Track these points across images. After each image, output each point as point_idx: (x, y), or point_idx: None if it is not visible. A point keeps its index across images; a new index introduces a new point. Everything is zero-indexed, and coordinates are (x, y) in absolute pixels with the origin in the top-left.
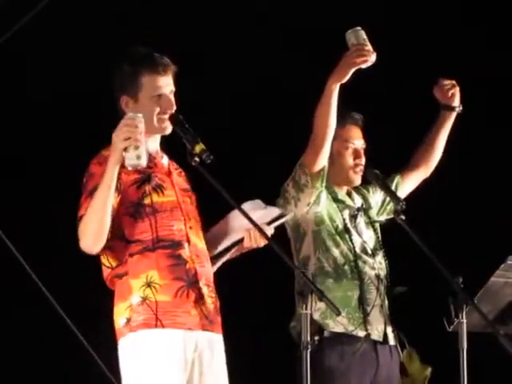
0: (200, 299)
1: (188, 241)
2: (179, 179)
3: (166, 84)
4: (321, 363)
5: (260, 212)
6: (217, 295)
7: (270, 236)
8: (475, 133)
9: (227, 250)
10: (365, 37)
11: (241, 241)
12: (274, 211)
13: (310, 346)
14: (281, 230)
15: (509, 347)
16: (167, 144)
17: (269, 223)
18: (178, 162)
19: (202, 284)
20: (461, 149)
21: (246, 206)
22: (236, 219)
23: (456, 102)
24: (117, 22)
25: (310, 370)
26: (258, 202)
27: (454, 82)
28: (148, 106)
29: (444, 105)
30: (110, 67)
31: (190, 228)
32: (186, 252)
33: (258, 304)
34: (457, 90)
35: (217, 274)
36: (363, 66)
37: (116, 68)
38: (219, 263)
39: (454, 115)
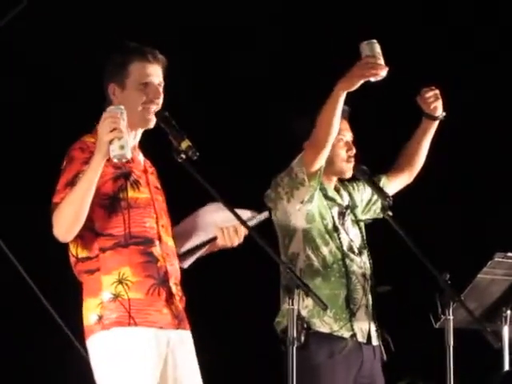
0: (170, 298)
1: (159, 239)
2: (152, 177)
3: (155, 74)
4: (308, 359)
5: (228, 213)
6: (183, 294)
7: (244, 234)
8: (461, 131)
9: (199, 247)
10: (379, 50)
11: (214, 239)
12: (245, 213)
13: (296, 342)
14: (266, 225)
15: (495, 344)
16: (150, 140)
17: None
18: (156, 158)
19: (171, 283)
20: (448, 145)
21: (210, 207)
22: (206, 216)
23: (439, 111)
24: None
25: (297, 365)
26: (220, 205)
27: (436, 92)
28: (134, 94)
29: (427, 114)
30: (98, 60)
31: (162, 226)
32: (157, 250)
33: (242, 299)
34: (439, 102)
35: (201, 270)
36: (372, 80)
37: (106, 59)
38: (190, 260)
39: (436, 123)
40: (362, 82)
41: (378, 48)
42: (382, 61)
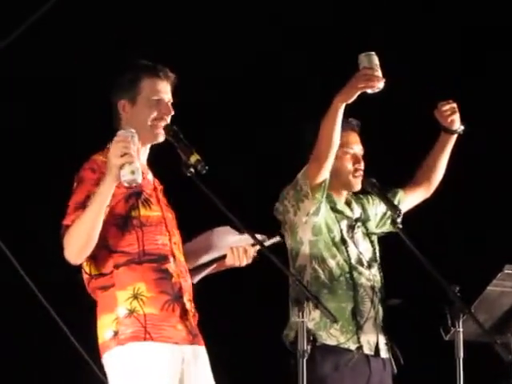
0: (184, 314)
1: (173, 255)
2: (161, 195)
3: (165, 91)
4: (314, 371)
5: (239, 236)
6: (196, 311)
7: (255, 254)
8: (471, 145)
9: (207, 264)
10: (377, 62)
11: (223, 257)
12: (257, 237)
13: (306, 355)
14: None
15: (505, 357)
16: (158, 155)
17: (253, 245)
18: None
19: (185, 299)
20: (457, 158)
21: (222, 228)
22: (218, 237)
23: (456, 125)
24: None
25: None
26: (229, 228)
27: (454, 105)
28: (145, 109)
29: (445, 128)
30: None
31: (175, 243)
32: (171, 266)
33: (250, 312)
34: (457, 116)
35: (210, 282)
36: (369, 91)
37: (117, 76)
38: (197, 278)
39: (455, 137)
40: (358, 93)
41: (375, 60)
42: (379, 72)
